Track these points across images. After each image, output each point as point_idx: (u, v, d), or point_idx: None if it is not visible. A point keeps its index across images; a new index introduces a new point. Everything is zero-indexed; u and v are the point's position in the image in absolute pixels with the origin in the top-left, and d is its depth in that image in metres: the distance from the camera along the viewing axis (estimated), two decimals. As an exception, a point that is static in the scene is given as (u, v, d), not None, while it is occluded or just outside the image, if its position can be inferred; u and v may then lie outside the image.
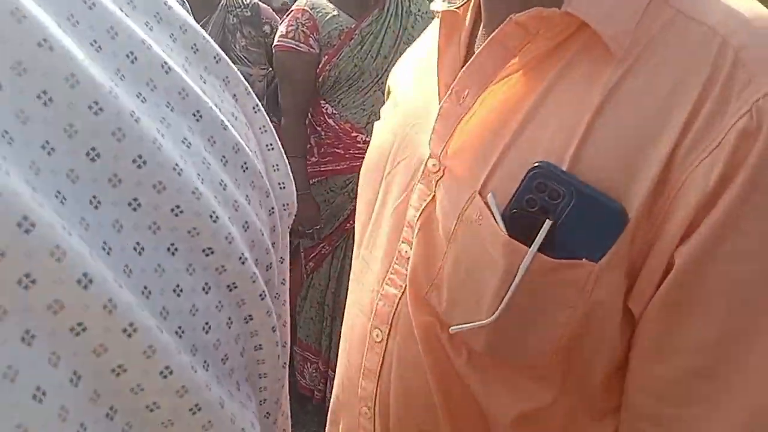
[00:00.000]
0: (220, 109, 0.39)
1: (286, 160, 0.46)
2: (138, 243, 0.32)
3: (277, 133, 0.45)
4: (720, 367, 0.50)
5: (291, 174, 0.47)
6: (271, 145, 0.45)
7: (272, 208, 0.43)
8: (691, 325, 0.51)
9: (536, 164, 0.52)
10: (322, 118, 2.06)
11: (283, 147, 0.46)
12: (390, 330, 0.64)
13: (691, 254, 0.49)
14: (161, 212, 0.33)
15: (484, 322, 0.54)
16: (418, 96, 0.68)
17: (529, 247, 0.52)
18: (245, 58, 2.22)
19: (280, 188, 0.45)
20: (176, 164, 0.33)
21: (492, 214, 0.53)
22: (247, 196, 0.39)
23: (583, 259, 0.51)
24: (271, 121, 0.45)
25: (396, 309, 0.64)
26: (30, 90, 0.29)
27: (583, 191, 0.50)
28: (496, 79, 0.56)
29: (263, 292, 0.38)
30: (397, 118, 0.69)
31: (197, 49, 0.40)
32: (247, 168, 0.39)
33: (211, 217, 0.34)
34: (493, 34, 0.56)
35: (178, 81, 0.36)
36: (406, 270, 0.62)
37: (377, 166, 0.70)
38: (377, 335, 0.66)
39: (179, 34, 0.39)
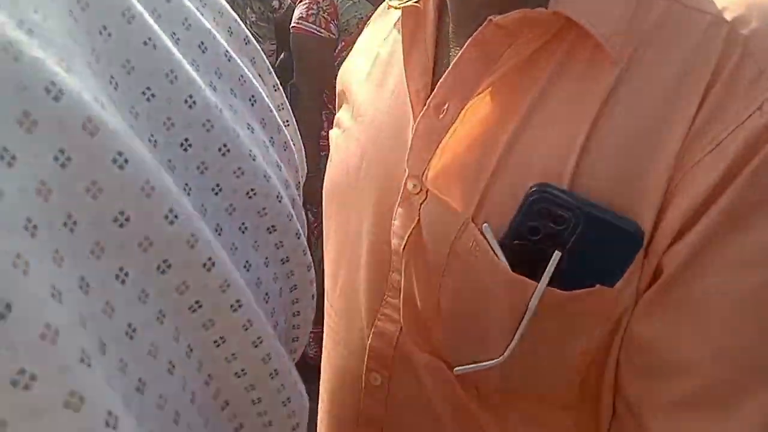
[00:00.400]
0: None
1: (299, 136, 0.51)
2: (218, 224, 0.36)
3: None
4: (711, 400, 0.45)
5: (303, 149, 0.51)
6: (287, 121, 0.49)
7: (298, 183, 0.47)
8: (677, 343, 0.46)
9: (534, 188, 0.47)
10: (333, 96, 2.13)
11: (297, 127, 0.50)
12: (391, 374, 0.58)
13: (680, 260, 0.45)
14: (238, 195, 0.37)
15: (493, 362, 0.50)
16: (381, 104, 0.61)
17: (536, 281, 0.47)
18: (255, 33, 2.25)
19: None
20: (251, 150, 0.37)
21: (490, 246, 0.49)
22: (288, 173, 0.43)
23: (598, 286, 0.47)
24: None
25: (395, 349, 0.57)
26: (137, 87, 0.32)
27: (590, 213, 0.46)
28: (478, 89, 0.51)
29: (310, 263, 0.43)
30: (362, 129, 0.62)
31: (231, 32, 0.43)
32: (286, 147, 0.44)
33: (277, 197, 0.39)
34: (471, 38, 0.51)
35: (237, 68, 0.39)
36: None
37: (345, 185, 0.62)
38: (375, 379, 0.59)
39: (219, 18, 0.42)
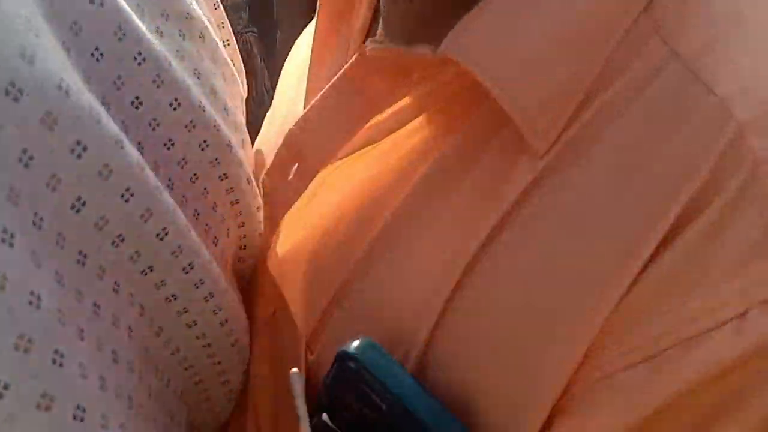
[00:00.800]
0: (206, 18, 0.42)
1: (239, 54, 0.50)
2: (170, 179, 0.37)
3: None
4: None
5: (243, 70, 0.51)
6: (228, 41, 0.49)
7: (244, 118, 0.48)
8: None
9: (346, 349, 0.32)
10: None
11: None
12: None
13: None
14: (190, 148, 0.38)
15: None
16: (288, 115, 0.45)
17: None
18: None
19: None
20: (200, 102, 0.37)
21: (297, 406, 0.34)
22: (237, 113, 0.44)
23: None
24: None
25: None
26: (86, 49, 0.31)
27: (413, 416, 0.30)
28: (347, 146, 0.36)
29: (260, 204, 0.45)
30: (262, 143, 0.49)
31: None
32: (233, 81, 0.44)
33: (228, 145, 0.40)
34: (342, 70, 0.36)
35: (183, 5, 0.38)
36: None
37: None
38: None
39: None
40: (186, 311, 0.38)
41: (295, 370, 0.35)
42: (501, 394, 0.30)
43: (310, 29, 0.50)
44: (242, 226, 0.46)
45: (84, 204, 0.29)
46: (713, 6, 0.31)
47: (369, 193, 0.35)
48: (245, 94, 0.51)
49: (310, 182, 0.37)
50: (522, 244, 0.30)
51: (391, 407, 0.31)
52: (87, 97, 0.28)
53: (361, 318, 0.34)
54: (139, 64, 0.33)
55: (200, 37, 0.40)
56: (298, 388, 0.34)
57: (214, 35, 0.41)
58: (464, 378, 0.31)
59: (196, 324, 0.39)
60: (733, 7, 0.31)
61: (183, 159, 0.37)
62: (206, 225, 0.41)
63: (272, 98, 0.54)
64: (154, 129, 0.35)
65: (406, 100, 0.35)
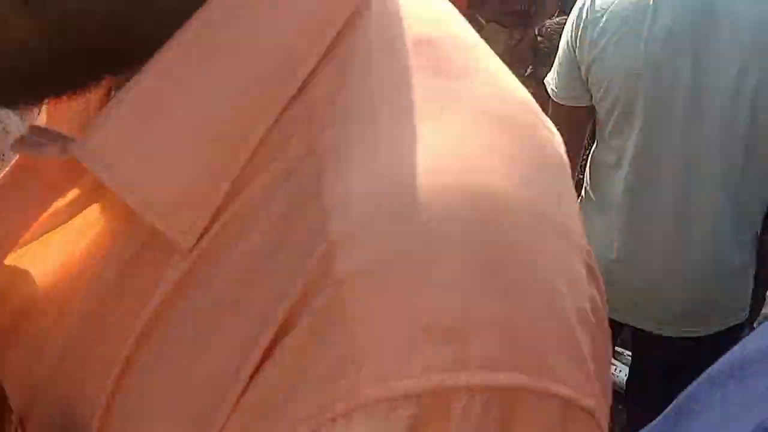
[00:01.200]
0: None
1: None
2: None
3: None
4: None
5: None
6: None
7: None
8: None
9: None
10: None
11: None
12: None
13: None
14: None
15: None
16: None
17: None
18: None
19: None
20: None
21: None
22: None
23: None
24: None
25: None
26: None
27: None
28: (27, 235, 0.36)
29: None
30: None
31: None
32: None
33: None
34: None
35: None
36: None
37: None
38: None
39: None
40: None
41: None
42: None
43: None
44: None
45: None
46: (362, 96, 0.29)
47: (53, 286, 0.35)
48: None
49: None
50: (159, 358, 0.29)
51: None
52: None
53: (57, 415, 0.33)
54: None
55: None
56: None
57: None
58: None
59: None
60: (376, 99, 0.29)
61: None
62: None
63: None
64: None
65: (81, 187, 0.34)
